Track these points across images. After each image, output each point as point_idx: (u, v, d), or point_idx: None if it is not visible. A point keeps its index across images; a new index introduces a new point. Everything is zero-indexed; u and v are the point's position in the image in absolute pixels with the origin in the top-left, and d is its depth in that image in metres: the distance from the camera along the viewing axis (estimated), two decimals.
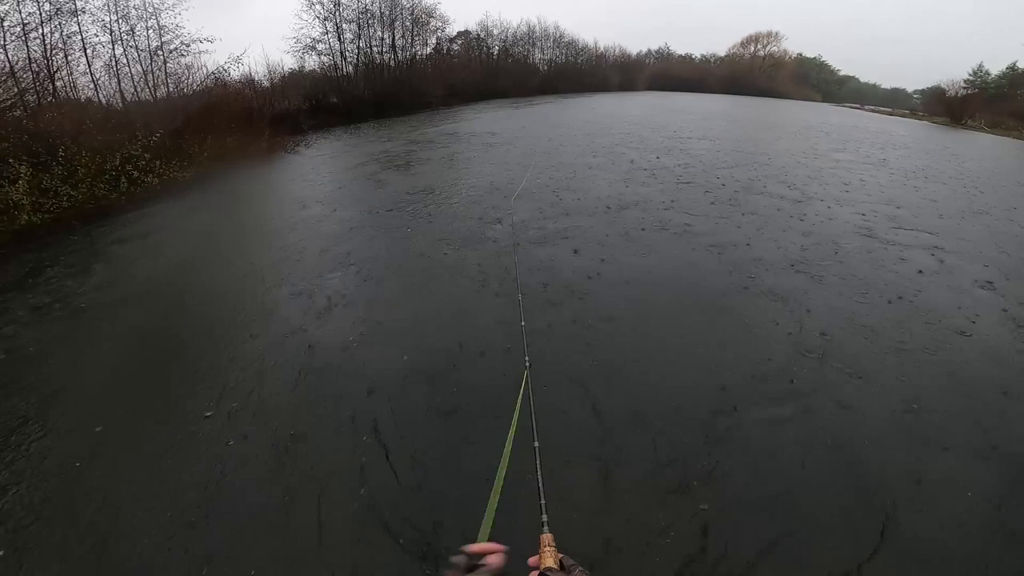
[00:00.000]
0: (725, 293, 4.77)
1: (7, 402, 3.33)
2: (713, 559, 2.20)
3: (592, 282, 4.93)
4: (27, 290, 5.13)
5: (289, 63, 25.79)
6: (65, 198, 7.48)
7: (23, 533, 2.38)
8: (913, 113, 41.72)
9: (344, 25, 22.84)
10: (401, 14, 24.99)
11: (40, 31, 11.67)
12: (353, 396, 3.30)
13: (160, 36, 14.44)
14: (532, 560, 0.82)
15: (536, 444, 1.09)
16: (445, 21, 28.71)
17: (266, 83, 18.47)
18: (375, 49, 24.19)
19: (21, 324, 4.43)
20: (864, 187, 9.42)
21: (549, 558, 0.81)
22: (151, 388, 3.48)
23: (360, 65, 23.43)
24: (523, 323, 2.03)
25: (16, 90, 10.14)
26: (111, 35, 13.81)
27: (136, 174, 8.88)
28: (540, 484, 0.98)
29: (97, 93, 13.56)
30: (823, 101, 57.40)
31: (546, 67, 40.59)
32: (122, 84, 14.01)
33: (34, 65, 11.30)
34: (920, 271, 5.42)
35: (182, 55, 14.69)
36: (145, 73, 14.26)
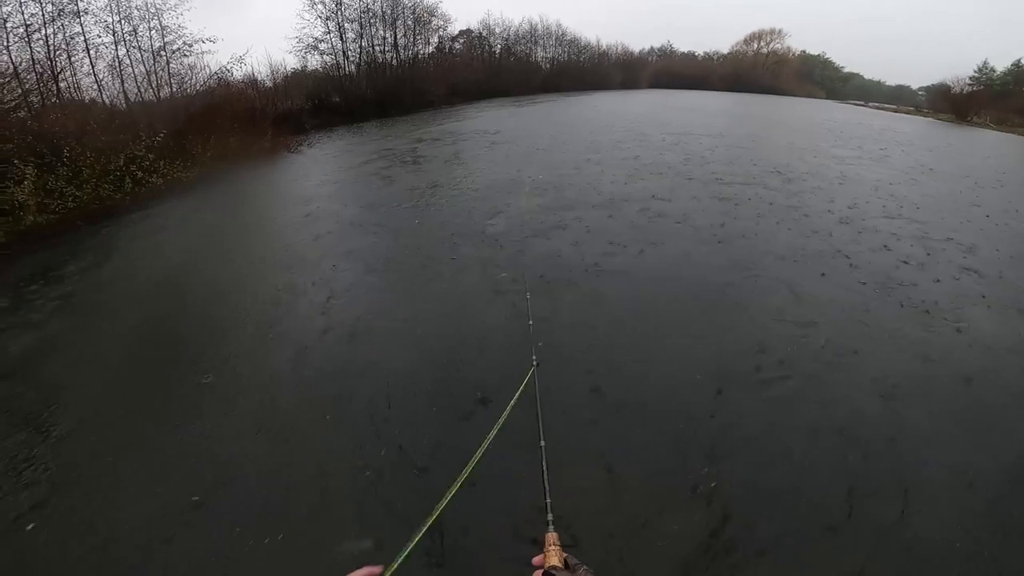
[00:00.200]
0: (730, 283, 4.91)
1: (17, 400, 3.37)
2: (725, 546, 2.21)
3: (594, 271, 5.05)
4: (31, 290, 5.16)
5: (291, 63, 25.84)
6: (70, 199, 7.52)
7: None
8: (918, 110, 41.53)
9: (346, 24, 22.84)
10: (403, 13, 24.96)
11: (43, 32, 11.70)
12: (357, 392, 3.31)
13: (163, 36, 14.47)
14: (537, 559, 0.83)
15: (543, 444, 1.08)
16: (447, 20, 28.69)
17: (269, 83, 18.50)
18: (377, 48, 24.19)
19: (26, 324, 4.46)
20: (862, 183, 9.44)
21: (554, 556, 0.81)
22: (152, 386, 3.50)
23: (362, 64, 23.43)
24: (530, 322, 2.02)
25: (20, 91, 10.19)
26: (114, 36, 13.84)
27: (140, 174, 8.92)
28: (545, 483, 0.98)
29: (101, 94, 13.60)
30: (827, 98, 57.14)
31: (548, 65, 40.50)
32: (125, 85, 14.06)
33: (38, 66, 11.32)
34: (905, 261, 5.59)
35: (185, 55, 14.71)
36: (148, 73, 14.29)
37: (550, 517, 0.89)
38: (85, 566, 2.25)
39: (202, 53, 14.95)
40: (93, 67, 13.45)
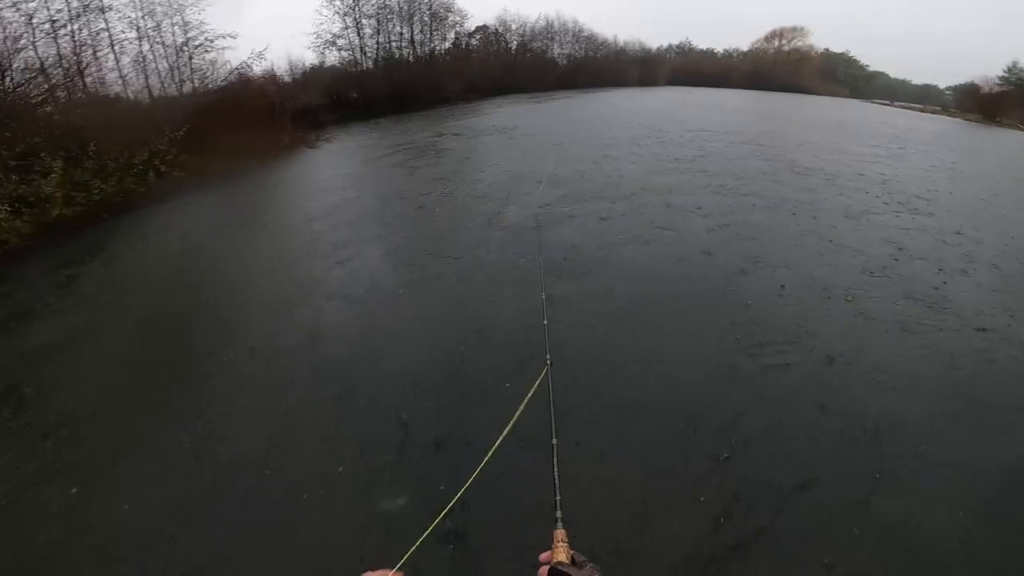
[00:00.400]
0: (742, 270, 5.08)
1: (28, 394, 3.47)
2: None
3: (608, 259, 5.26)
4: (55, 282, 5.31)
5: (310, 58, 26.05)
6: (95, 191, 7.70)
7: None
8: (945, 110, 40.47)
9: (364, 20, 22.99)
10: (420, 9, 25.02)
11: (69, 28, 11.96)
12: (363, 387, 3.36)
13: (185, 32, 14.70)
14: (544, 556, 0.84)
15: (554, 441, 1.09)
16: (463, 16, 28.63)
17: (288, 78, 18.69)
18: (394, 44, 24.32)
19: (47, 314, 4.58)
20: (878, 182, 9.30)
21: (561, 553, 0.81)
22: (162, 381, 3.58)
23: (379, 60, 23.56)
24: (545, 321, 2.02)
25: (47, 86, 10.43)
26: (138, 31, 14.10)
27: (163, 168, 9.11)
28: (556, 480, 0.99)
29: (125, 89, 13.90)
30: (851, 97, 55.91)
31: (565, 62, 40.26)
32: (149, 80, 14.35)
33: (64, 62, 11.58)
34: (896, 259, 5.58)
35: (207, 51, 14.94)
36: (171, 69, 14.55)
37: (559, 514, 0.90)
38: (86, 566, 2.27)
39: (223, 49, 15.07)
40: (118, 62, 13.76)
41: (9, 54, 9.38)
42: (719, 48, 64.48)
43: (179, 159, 9.47)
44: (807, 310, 4.34)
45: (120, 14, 13.63)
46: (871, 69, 69.99)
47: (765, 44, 59.52)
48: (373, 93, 20.80)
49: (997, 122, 29.36)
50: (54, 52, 11.39)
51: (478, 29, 33.53)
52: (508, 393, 3.15)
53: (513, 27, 35.90)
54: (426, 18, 25.51)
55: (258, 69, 15.74)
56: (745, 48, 61.78)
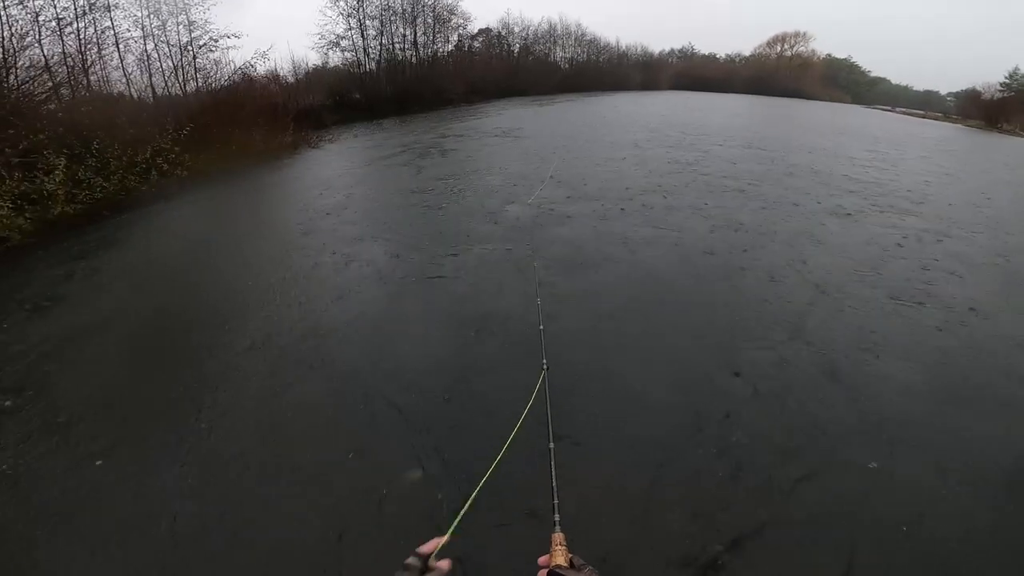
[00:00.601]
0: (741, 267, 5.23)
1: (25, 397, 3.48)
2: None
3: (610, 258, 5.35)
4: (55, 280, 5.32)
5: (313, 59, 26.15)
6: (98, 189, 7.70)
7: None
8: (946, 116, 40.56)
9: (367, 22, 23.09)
10: (423, 11, 25.16)
11: (75, 26, 12.02)
12: (373, 376, 3.37)
13: (190, 31, 14.76)
14: (542, 559, 0.84)
15: (551, 446, 1.10)
16: (466, 18, 28.80)
17: (291, 79, 18.76)
18: (397, 46, 24.43)
19: (46, 314, 4.59)
20: (875, 186, 9.32)
21: (560, 556, 0.82)
22: (159, 383, 3.59)
23: (382, 62, 23.66)
24: (541, 327, 2.04)
25: (51, 84, 10.46)
26: (143, 30, 14.17)
27: (166, 167, 9.12)
28: (554, 484, 1.00)
29: (129, 87, 13.94)
30: (853, 103, 56.05)
31: (567, 65, 40.43)
32: (153, 78, 14.40)
33: (69, 60, 11.62)
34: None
35: (211, 50, 15.00)
36: (175, 68, 14.60)
37: (557, 517, 0.91)
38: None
39: (227, 48, 15.14)
40: (122, 61, 13.83)
41: (15, 52, 9.41)
42: (721, 53, 64.80)
43: (182, 158, 9.48)
44: (806, 308, 4.37)
45: (126, 12, 13.74)
46: (873, 75, 70.23)
47: (767, 49, 59.88)
48: (376, 94, 20.91)
49: (999, 128, 29.41)
50: (59, 50, 11.45)
51: (481, 32, 33.74)
52: (510, 396, 3.15)
53: (516, 30, 36.15)
54: (429, 20, 25.65)
55: (262, 69, 15.86)
56: (747, 53, 62.14)
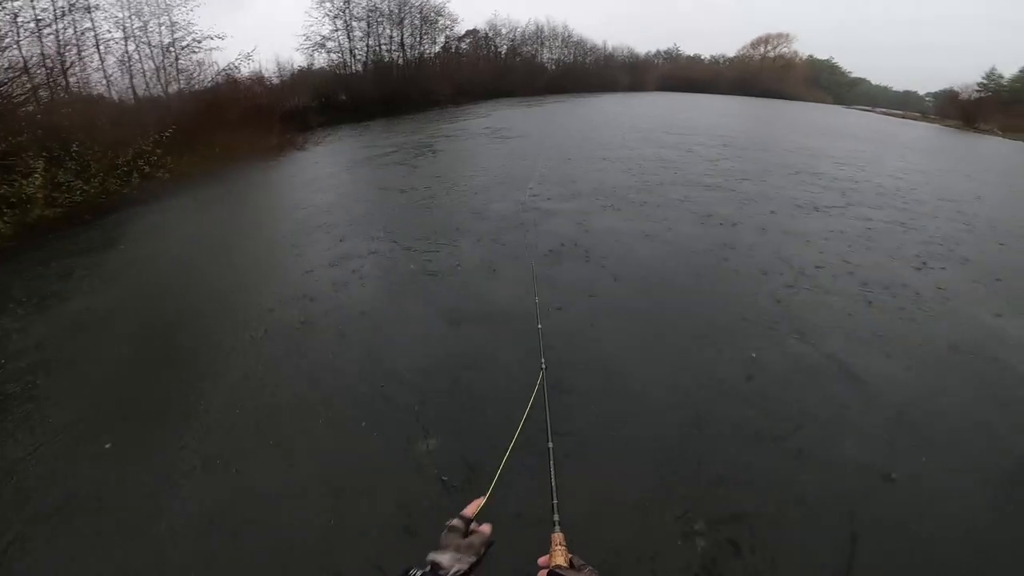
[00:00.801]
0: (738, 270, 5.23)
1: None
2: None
3: (606, 256, 5.35)
4: (34, 285, 5.19)
5: (299, 60, 25.93)
6: (78, 192, 7.55)
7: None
8: (924, 116, 41.36)
9: (353, 23, 23.00)
10: (410, 12, 25.09)
11: (54, 27, 11.77)
12: (373, 375, 3.36)
13: (172, 32, 14.57)
14: (542, 560, 0.83)
15: (550, 445, 1.10)
16: (454, 20, 28.75)
17: (276, 80, 18.58)
18: (384, 47, 24.34)
19: (25, 318, 4.48)
20: (851, 186, 9.47)
21: (559, 556, 0.82)
22: (146, 392, 3.52)
23: (369, 63, 23.54)
24: (539, 326, 2.03)
25: (30, 86, 10.24)
26: (124, 31, 13.94)
27: (148, 169, 8.97)
28: (552, 483, 1.00)
29: (109, 89, 13.69)
30: (834, 103, 56.98)
31: (554, 67, 40.57)
32: (134, 80, 14.16)
33: (48, 61, 11.40)
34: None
35: (194, 52, 14.82)
36: (157, 69, 14.39)
37: (556, 517, 0.90)
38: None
39: (211, 50, 14.94)
40: (103, 62, 13.58)
41: None
42: (706, 54, 65.51)
43: (164, 160, 9.33)
44: (805, 306, 4.41)
45: (107, 13, 13.50)
46: (853, 76, 71.50)
47: (751, 50, 60.67)
48: (362, 96, 20.75)
49: (975, 128, 30.06)
50: (38, 52, 11.21)
51: (468, 33, 33.67)
52: (508, 396, 3.15)
53: (503, 31, 36.19)
54: (416, 21, 25.59)
55: (246, 70, 15.66)
56: (732, 54, 62.88)
